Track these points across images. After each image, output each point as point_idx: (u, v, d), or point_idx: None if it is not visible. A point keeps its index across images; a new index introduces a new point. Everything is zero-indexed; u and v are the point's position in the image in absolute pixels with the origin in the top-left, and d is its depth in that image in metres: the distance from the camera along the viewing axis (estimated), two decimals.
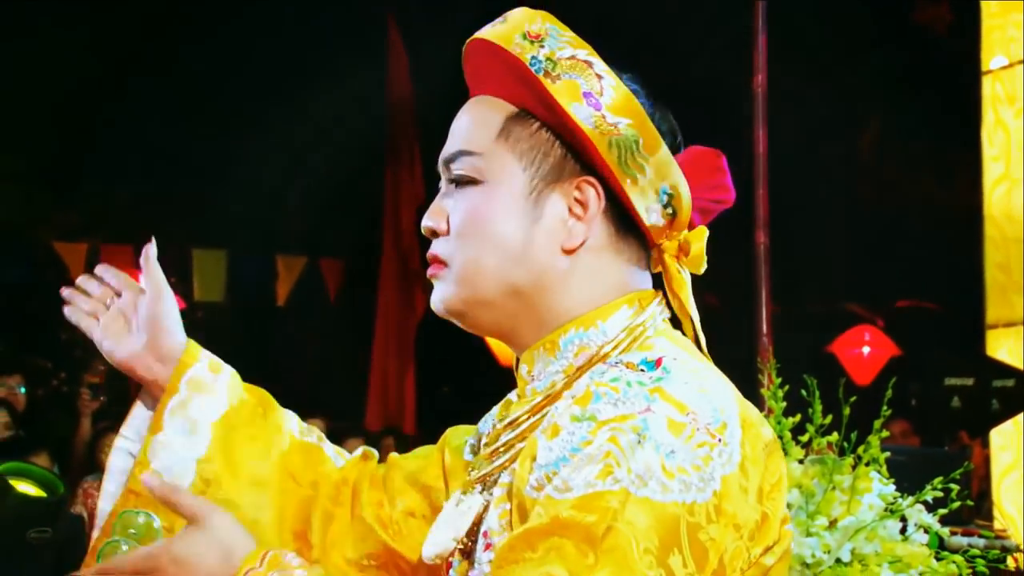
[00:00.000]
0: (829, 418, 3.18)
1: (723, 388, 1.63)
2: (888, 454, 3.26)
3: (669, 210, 1.73)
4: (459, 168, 1.71)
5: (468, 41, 1.75)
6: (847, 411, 3.18)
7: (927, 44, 11.49)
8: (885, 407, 3.31)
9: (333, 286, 12.76)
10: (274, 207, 12.97)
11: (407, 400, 11.35)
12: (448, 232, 1.71)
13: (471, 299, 1.70)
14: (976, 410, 6.25)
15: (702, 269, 1.78)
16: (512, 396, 1.89)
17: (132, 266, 8.29)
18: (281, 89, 12.10)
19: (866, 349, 13.60)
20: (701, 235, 1.78)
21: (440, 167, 1.76)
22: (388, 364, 11.35)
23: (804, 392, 3.18)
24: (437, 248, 1.72)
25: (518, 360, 1.79)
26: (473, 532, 1.73)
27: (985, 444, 6.91)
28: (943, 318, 12.92)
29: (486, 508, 1.72)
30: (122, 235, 12.66)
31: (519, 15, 1.71)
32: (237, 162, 12.09)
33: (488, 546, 1.67)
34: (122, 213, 12.75)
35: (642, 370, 1.59)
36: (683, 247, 1.77)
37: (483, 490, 1.75)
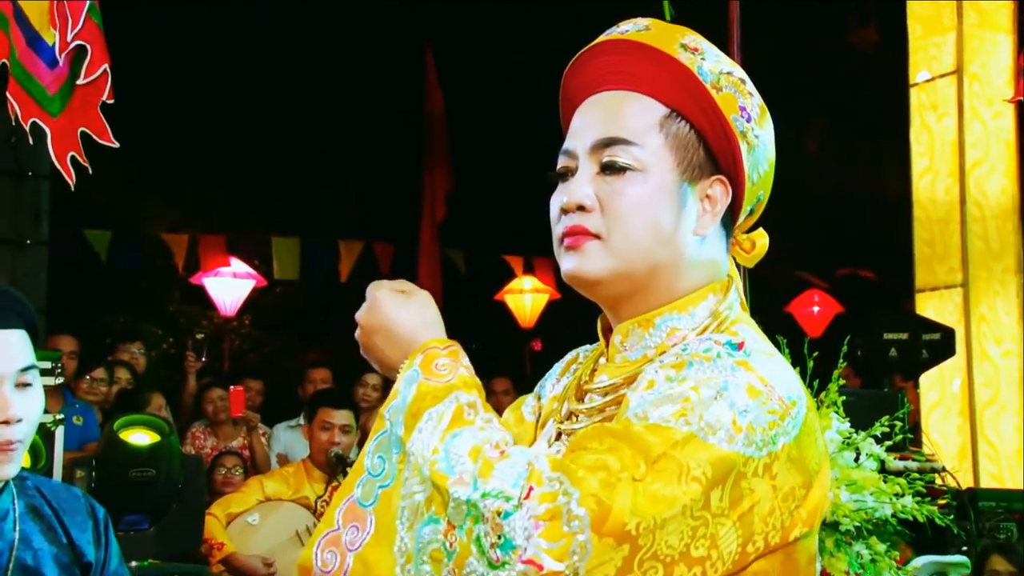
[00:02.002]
0: (797, 369, 3.20)
1: (792, 373, 1.59)
2: (844, 398, 3.28)
3: (753, 213, 1.72)
4: (622, 156, 1.59)
5: (607, 40, 1.65)
6: (811, 364, 3.20)
7: (864, 61, 11.42)
8: (842, 361, 3.33)
9: (385, 265, 12.71)
10: (337, 203, 12.99)
11: None
12: (594, 210, 1.59)
13: (620, 270, 1.59)
14: (909, 359, 6.24)
15: (754, 264, 1.76)
16: (582, 352, 1.84)
17: (225, 251, 8.27)
18: (341, 106, 12.09)
19: (816, 308, 13.55)
20: (764, 236, 1.75)
21: (587, 148, 1.62)
22: None
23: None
24: (585, 222, 1.59)
25: (606, 327, 1.72)
26: None
27: (916, 386, 6.92)
28: (881, 284, 12.88)
29: None
30: (215, 227, 12.67)
31: (664, 26, 1.65)
32: (306, 166, 12.10)
33: None
34: (215, 209, 12.76)
35: (728, 349, 1.53)
36: (753, 244, 1.75)
37: None
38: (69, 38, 4.41)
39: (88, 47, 4.49)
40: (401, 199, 12.11)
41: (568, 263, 1.62)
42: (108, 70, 4.50)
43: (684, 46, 1.62)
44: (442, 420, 1.46)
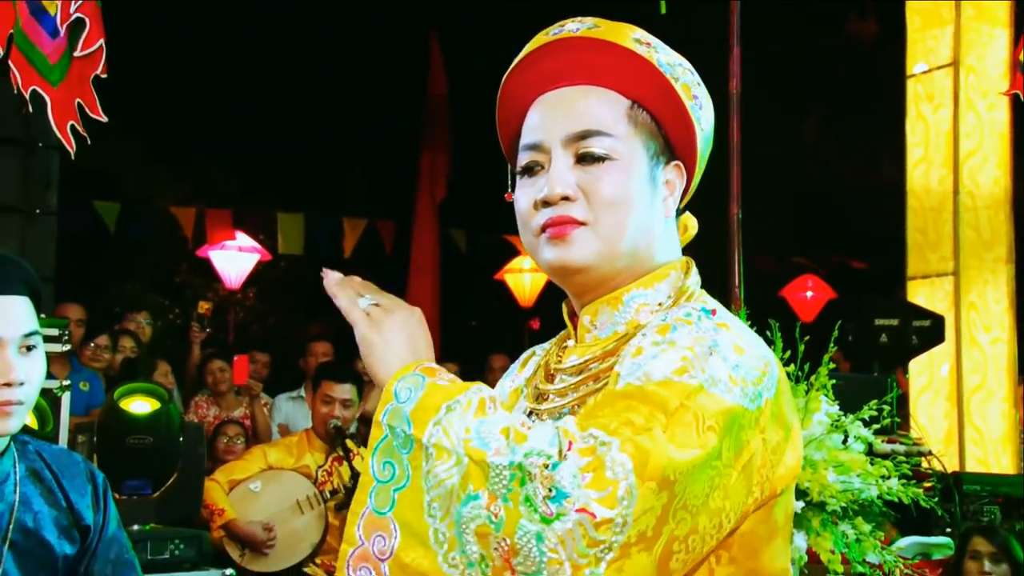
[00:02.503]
0: (788, 353, 3.21)
1: (759, 338, 1.62)
2: (834, 381, 3.28)
3: (687, 198, 1.75)
4: (598, 147, 1.60)
5: (559, 39, 1.65)
6: (802, 348, 3.20)
7: (862, 53, 11.40)
8: (832, 345, 3.33)
9: (388, 242, 12.72)
10: (341, 180, 12.98)
11: (435, 331, 11.28)
12: (578, 199, 1.60)
13: (606, 253, 1.61)
14: (899, 344, 6.25)
15: (684, 244, 1.78)
16: (538, 349, 1.87)
17: (231, 225, 8.25)
18: (347, 87, 12.07)
19: (809, 293, 13.56)
20: (693, 219, 1.79)
21: (559, 142, 1.62)
22: (422, 302, 11.33)
23: (768, 333, 3.19)
24: (571, 211, 1.60)
25: (571, 312, 1.74)
26: None
27: (905, 371, 6.93)
28: (874, 271, 12.88)
29: None
30: (221, 201, 12.67)
31: (613, 24, 1.66)
32: (311, 145, 12.09)
33: None
34: (222, 184, 12.76)
35: (704, 313, 1.57)
36: (686, 227, 1.78)
37: (568, 414, 1.62)
38: (72, 9, 4.42)
39: (87, 20, 4.50)
40: (404, 178, 12.09)
41: (554, 252, 1.62)
42: (103, 45, 4.51)
43: (638, 40, 1.65)
44: (469, 407, 1.44)
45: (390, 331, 1.56)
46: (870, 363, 6.32)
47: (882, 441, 4.32)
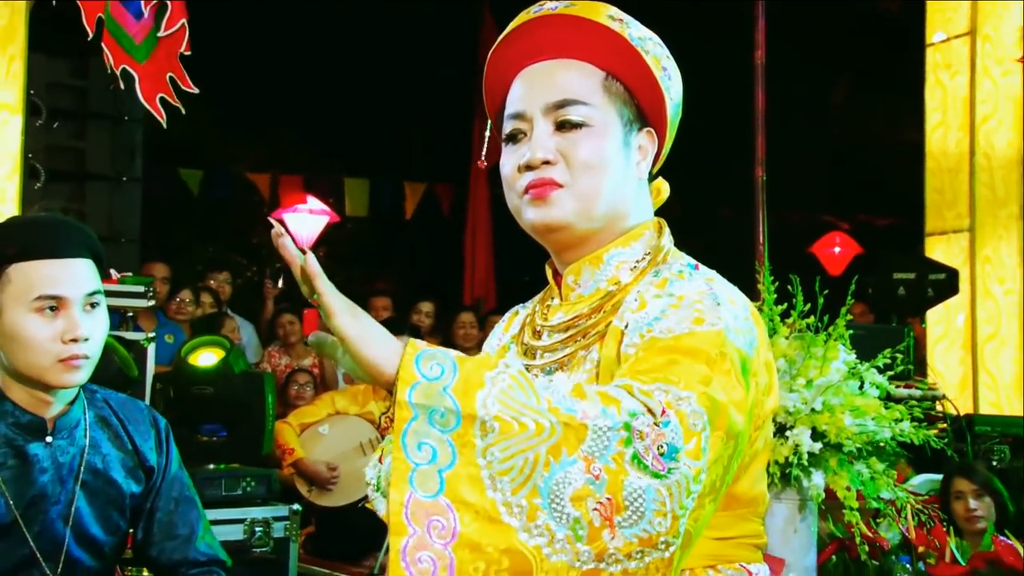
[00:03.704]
0: (808, 306, 3.17)
1: (738, 289, 1.63)
2: (851, 331, 3.25)
3: (659, 164, 1.76)
4: (576, 114, 1.62)
5: (538, 16, 1.66)
6: (821, 301, 3.17)
7: (885, 23, 11.21)
8: (849, 298, 3.29)
9: (446, 204, 12.72)
10: (403, 147, 12.98)
11: (491, 286, 11.25)
12: (558, 163, 1.61)
13: (583, 212, 1.62)
14: (916, 297, 6.19)
15: (657, 207, 1.78)
16: (520, 308, 1.86)
17: (302, 190, 8.33)
18: (407, 59, 12.03)
19: (837, 249, 13.44)
20: (665, 184, 1.80)
21: (540, 110, 1.63)
22: (478, 259, 11.32)
23: (789, 287, 3.17)
24: (551, 174, 1.61)
25: (554, 271, 1.74)
26: None
27: (923, 321, 6.86)
28: (896, 227, 12.74)
29: None
30: (293, 168, 12.72)
31: (589, 2, 1.67)
32: (375, 115, 12.08)
33: None
34: (294, 151, 12.80)
35: (690, 268, 1.62)
36: (659, 191, 1.79)
37: (553, 374, 1.64)
38: None
39: (168, 3, 4.56)
40: (461, 144, 12.07)
41: (536, 212, 1.63)
42: (186, 24, 4.56)
43: (611, 17, 1.66)
44: (516, 377, 1.34)
45: (369, 319, 1.41)
46: (889, 314, 6.28)
47: (899, 387, 4.29)
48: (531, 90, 1.66)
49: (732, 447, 1.42)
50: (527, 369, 1.63)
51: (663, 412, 1.35)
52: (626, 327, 1.55)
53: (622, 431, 1.32)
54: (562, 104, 1.63)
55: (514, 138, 1.67)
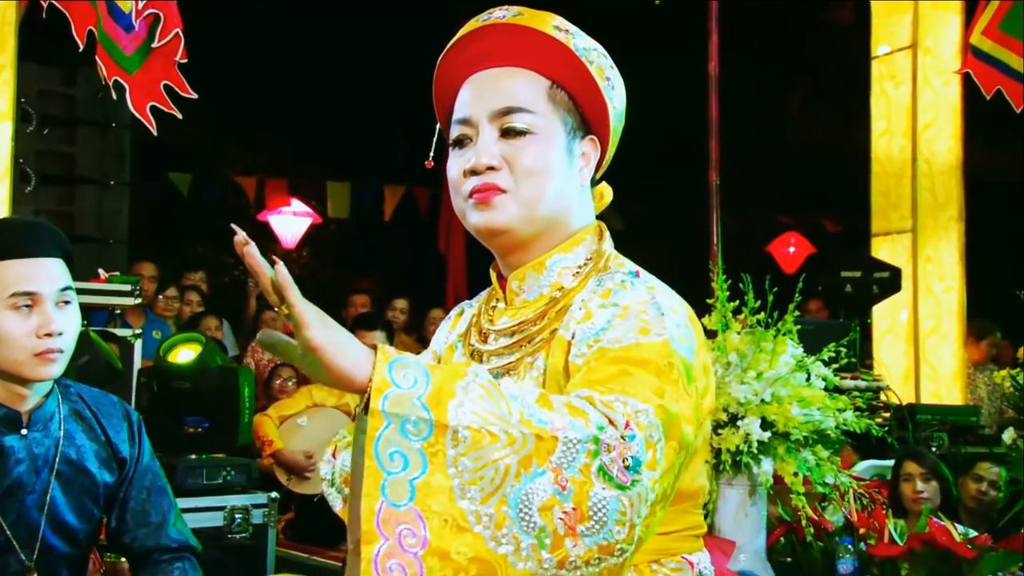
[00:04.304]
0: (759, 302, 3.17)
1: (677, 295, 1.60)
2: (799, 327, 3.25)
3: (602, 170, 1.73)
4: (520, 122, 1.58)
5: (487, 25, 1.63)
6: (771, 298, 3.17)
7: (835, 37, 11.27)
8: (798, 296, 3.30)
9: (423, 206, 12.69)
10: (382, 152, 12.93)
11: (468, 283, 11.22)
12: (502, 168, 1.58)
13: (526, 217, 1.59)
14: (862, 294, 6.22)
15: (599, 212, 1.75)
16: (466, 307, 1.82)
17: (287, 193, 8.25)
18: (387, 69, 11.99)
19: (791, 249, 13.49)
20: (608, 188, 1.77)
21: (486, 117, 1.60)
22: (455, 255, 11.30)
23: (741, 285, 3.17)
24: (495, 179, 1.57)
25: (499, 275, 1.71)
26: None
27: (868, 317, 6.90)
28: (844, 228, 12.82)
29: None
30: (278, 171, 12.66)
31: (535, 12, 1.64)
32: (355, 122, 12.04)
33: None
34: (279, 156, 12.74)
35: (632, 276, 1.57)
36: (601, 195, 1.76)
37: (501, 379, 1.55)
38: (140, 6, 4.45)
39: (162, 15, 4.53)
40: (438, 150, 12.05)
41: (480, 216, 1.60)
42: (180, 34, 4.54)
43: (557, 27, 1.63)
44: (487, 387, 1.29)
45: (338, 327, 1.31)
46: (837, 310, 6.31)
47: (845, 378, 4.30)
48: (478, 97, 1.62)
49: (683, 456, 1.40)
50: None
51: (627, 425, 1.32)
52: (572, 337, 1.51)
53: (590, 444, 1.28)
54: (507, 111, 1.59)
55: (460, 143, 1.64)
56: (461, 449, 1.25)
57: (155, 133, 4.81)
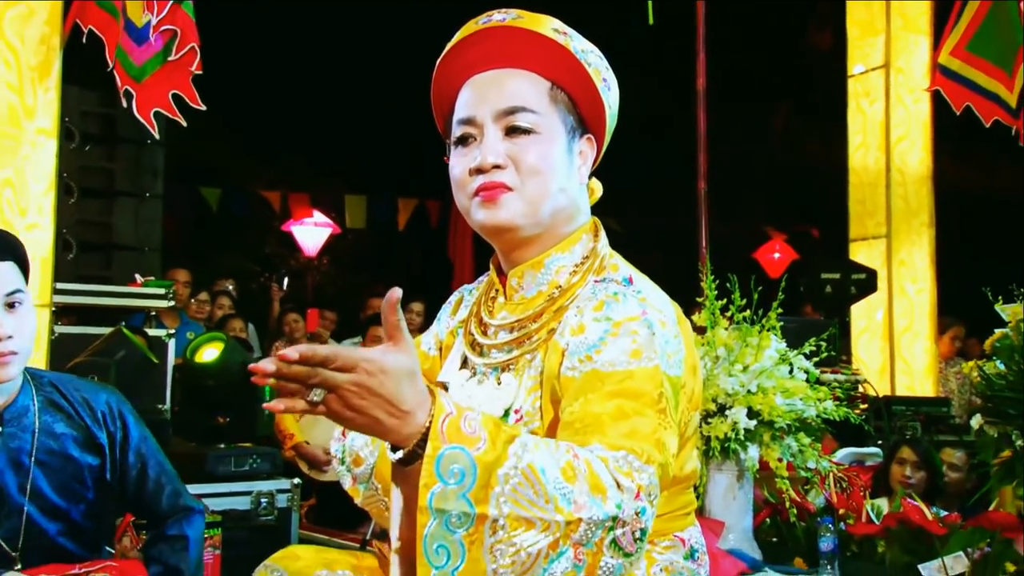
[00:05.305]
0: (744, 301, 3.17)
1: (665, 297, 1.56)
2: (782, 323, 3.24)
3: (594, 166, 1.68)
4: (524, 121, 1.53)
5: (486, 28, 1.57)
6: (756, 297, 3.16)
7: (816, 58, 11.28)
8: (781, 294, 3.29)
9: (434, 217, 12.70)
10: (397, 168, 12.94)
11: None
12: (507, 167, 1.52)
13: (530, 215, 1.53)
14: (841, 294, 6.21)
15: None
16: (465, 293, 1.77)
17: (309, 205, 8.24)
18: (402, 89, 12.00)
19: (776, 255, 13.48)
20: (598, 184, 1.71)
21: (491, 116, 1.54)
22: (463, 262, 11.31)
23: (728, 285, 3.16)
24: (501, 178, 1.52)
25: (499, 269, 1.66)
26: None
27: (847, 316, 6.90)
28: (825, 235, 12.80)
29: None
30: (301, 186, 12.69)
31: (533, 15, 1.58)
32: (373, 137, 12.05)
33: (519, 419, 1.51)
34: (301, 171, 12.76)
35: (625, 285, 1.52)
36: (592, 191, 1.70)
37: (501, 373, 1.56)
38: (154, 21, 4.45)
39: (179, 31, 4.53)
40: (447, 164, 12.06)
41: (485, 214, 1.54)
42: (196, 48, 4.54)
43: (556, 30, 1.57)
44: (526, 472, 1.24)
45: (420, 387, 1.25)
46: (818, 309, 6.30)
47: (826, 372, 4.29)
48: (481, 97, 1.56)
49: (668, 493, 1.41)
50: (473, 366, 1.60)
51: (637, 495, 1.30)
52: (567, 347, 1.47)
53: (611, 521, 1.27)
54: (512, 111, 1.54)
55: (464, 142, 1.57)
56: (499, 536, 1.23)
57: (157, 136, 4.83)
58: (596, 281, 1.55)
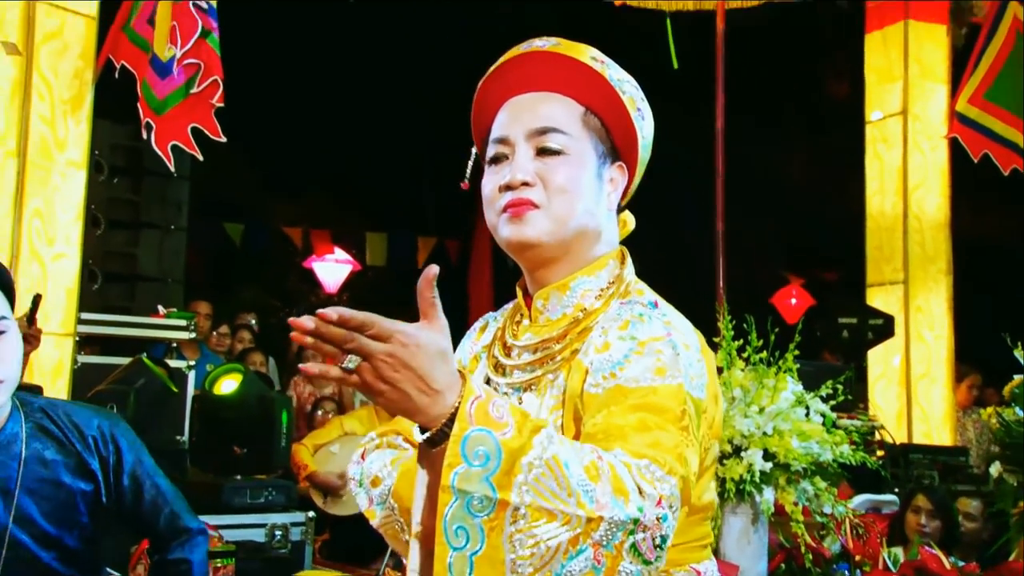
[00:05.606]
0: (761, 342, 3.15)
1: (689, 324, 1.56)
2: (799, 365, 3.22)
3: (628, 198, 1.68)
4: (555, 142, 1.53)
5: (526, 52, 1.59)
6: (772, 338, 3.15)
7: (835, 105, 11.31)
8: (798, 336, 3.27)
9: (454, 256, 12.73)
10: (417, 207, 13.01)
11: None
12: (536, 184, 1.52)
13: (555, 233, 1.53)
14: (858, 339, 6.18)
15: (621, 239, 1.69)
16: (490, 319, 1.76)
17: (330, 242, 8.32)
18: (424, 130, 12.10)
19: (793, 300, 13.42)
20: (631, 217, 1.71)
21: (523, 136, 1.55)
22: (480, 302, 11.32)
23: (744, 325, 3.15)
24: (530, 195, 1.52)
25: (525, 291, 1.66)
26: None
27: (864, 361, 6.85)
28: (842, 280, 12.75)
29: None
30: (323, 223, 12.76)
31: (571, 43, 1.60)
32: (394, 176, 12.14)
33: None
34: (323, 208, 12.83)
35: (651, 308, 1.51)
36: (625, 223, 1.70)
37: (523, 393, 1.56)
38: (178, 55, 4.51)
39: (202, 64, 4.59)
40: (468, 205, 12.12)
41: (511, 230, 1.54)
42: (219, 80, 4.59)
43: (593, 58, 1.59)
44: (549, 462, 1.24)
45: (450, 364, 1.24)
46: (834, 353, 6.26)
47: (842, 417, 4.25)
48: (515, 118, 1.57)
49: (685, 512, 1.38)
50: (497, 385, 1.60)
51: (659, 503, 1.28)
52: (590, 365, 1.46)
53: (630, 524, 1.25)
54: (543, 131, 1.55)
55: (497, 160, 1.58)
56: (520, 525, 1.22)
57: (173, 169, 4.87)
58: (621, 303, 1.55)
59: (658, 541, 1.27)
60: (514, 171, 1.54)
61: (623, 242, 1.69)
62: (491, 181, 1.58)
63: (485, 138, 1.64)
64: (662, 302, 1.56)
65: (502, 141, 1.58)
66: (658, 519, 1.27)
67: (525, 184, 1.53)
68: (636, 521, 1.25)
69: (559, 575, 1.23)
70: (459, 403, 1.23)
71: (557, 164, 1.54)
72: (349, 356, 1.19)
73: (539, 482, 1.22)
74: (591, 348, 1.49)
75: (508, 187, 1.54)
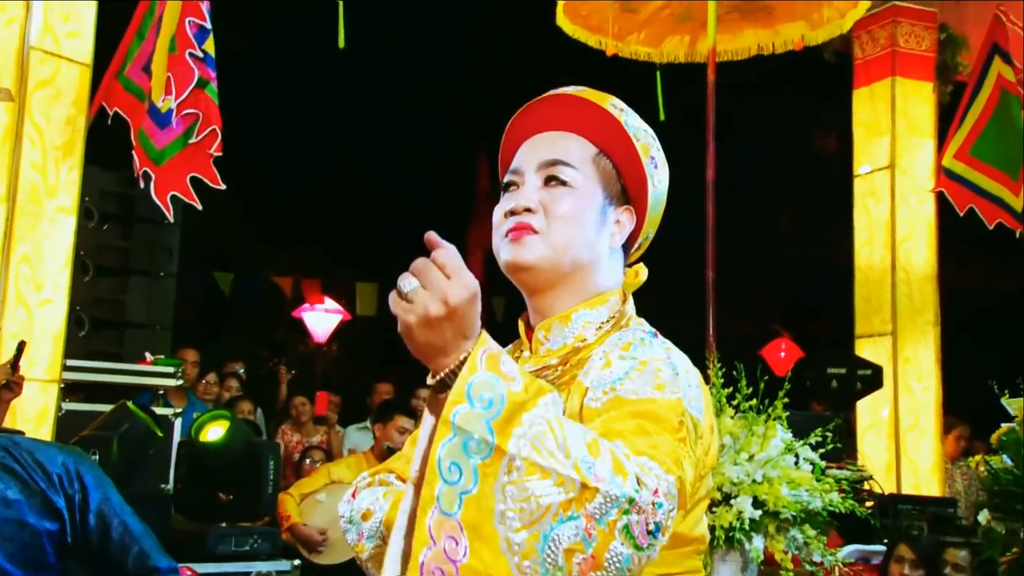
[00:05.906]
0: (751, 389, 3.15)
1: (687, 357, 1.58)
2: (788, 413, 3.22)
3: (641, 247, 1.72)
4: (562, 174, 1.59)
5: (552, 95, 1.66)
6: (762, 386, 3.15)
7: (823, 160, 11.43)
8: (787, 384, 3.27)
9: None
10: (407, 257, 13.01)
11: None
12: (538, 212, 1.57)
13: (551, 259, 1.57)
14: (847, 389, 6.18)
15: (633, 290, 1.72)
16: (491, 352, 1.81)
17: (320, 292, 8.28)
18: (412, 184, 12.18)
19: (782, 353, 13.43)
20: (644, 268, 1.74)
21: (534, 167, 1.61)
22: None
23: (735, 372, 3.15)
24: (530, 220, 1.57)
25: (527, 326, 1.68)
26: None
27: (852, 412, 6.84)
28: (831, 331, 12.78)
29: None
30: (312, 272, 12.77)
31: (600, 92, 1.67)
32: (383, 228, 12.18)
33: None
34: (312, 259, 12.85)
35: (651, 336, 1.55)
36: (637, 273, 1.73)
37: None
38: (175, 104, 4.52)
39: (200, 114, 4.61)
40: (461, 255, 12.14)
41: (510, 252, 1.59)
42: (217, 129, 4.61)
43: (613, 105, 1.65)
44: (551, 422, 1.26)
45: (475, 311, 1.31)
46: (823, 403, 6.26)
47: (831, 467, 4.23)
48: (531, 151, 1.65)
49: (680, 516, 1.39)
50: None
51: (656, 492, 1.28)
52: (591, 384, 1.48)
53: (625, 503, 1.25)
54: (553, 163, 1.61)
55: (507, 188, 1.65)
56: (513, 477, 1.23)
57: (171, 219, 4.88)
58: (622, 333, 1.58)
59: (652, 527, 1.27)
60: (519, 198, 1.60)
61: (634, 295, 1.71)
62: (500, 208, 1.64)
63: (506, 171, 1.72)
64: (660, 336, 1.58)
65: (515, 171, 1.65)
66: (653, 504, 1.27)
67: (528, 210, 1.58)
68: (631, 501, 1.25)
69: (547, 537, 1.22)
70: (472, 350, 1.29)
71: (562, 194, 1.59)
72: (410, 279, 1.30)
73: (538, 439, 1.24)
74: (592, 369, 1.51)
75: (512, 212, 1.60)
